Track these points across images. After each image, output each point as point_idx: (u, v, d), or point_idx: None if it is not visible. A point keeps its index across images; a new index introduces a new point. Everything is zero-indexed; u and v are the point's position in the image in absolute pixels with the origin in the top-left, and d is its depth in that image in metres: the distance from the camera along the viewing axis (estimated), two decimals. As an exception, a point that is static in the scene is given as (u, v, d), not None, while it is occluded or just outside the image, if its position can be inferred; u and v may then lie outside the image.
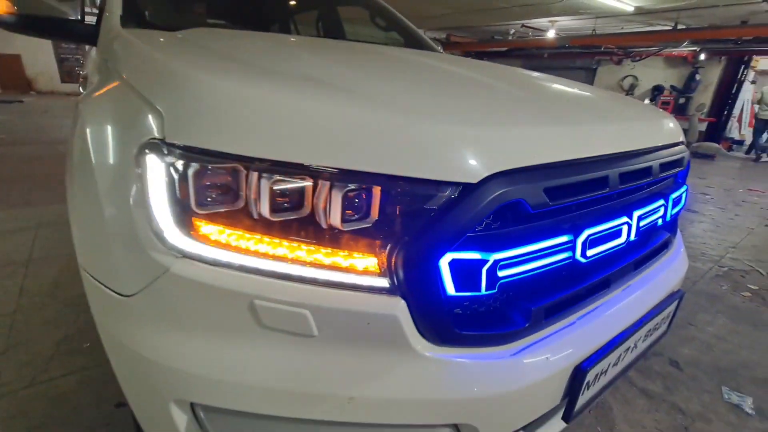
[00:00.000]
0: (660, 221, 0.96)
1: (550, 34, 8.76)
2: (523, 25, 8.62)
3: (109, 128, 0.72)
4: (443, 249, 0.57)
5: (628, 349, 0.86)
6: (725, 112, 9.61)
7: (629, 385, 1.73)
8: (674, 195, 1.01)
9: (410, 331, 0.59)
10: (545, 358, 0.68)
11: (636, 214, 0.84)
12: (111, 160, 0.68)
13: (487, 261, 0.59)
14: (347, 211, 0.57)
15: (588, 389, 0.77)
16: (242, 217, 0.58)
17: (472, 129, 0.62)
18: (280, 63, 0.85)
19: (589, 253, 0.74)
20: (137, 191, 0.61)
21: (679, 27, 7.19)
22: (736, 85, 9.42)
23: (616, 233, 0.80)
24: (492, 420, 0.65)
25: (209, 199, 0.58)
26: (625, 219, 0.81)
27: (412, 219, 0.58)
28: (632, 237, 0.85)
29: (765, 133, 8.48)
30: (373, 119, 0.59)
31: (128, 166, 0.63)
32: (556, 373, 0.69)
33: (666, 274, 1.02)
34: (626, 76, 10.70)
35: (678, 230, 1.21)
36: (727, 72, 9.14)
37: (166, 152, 0.58)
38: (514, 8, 5.96)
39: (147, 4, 1.47)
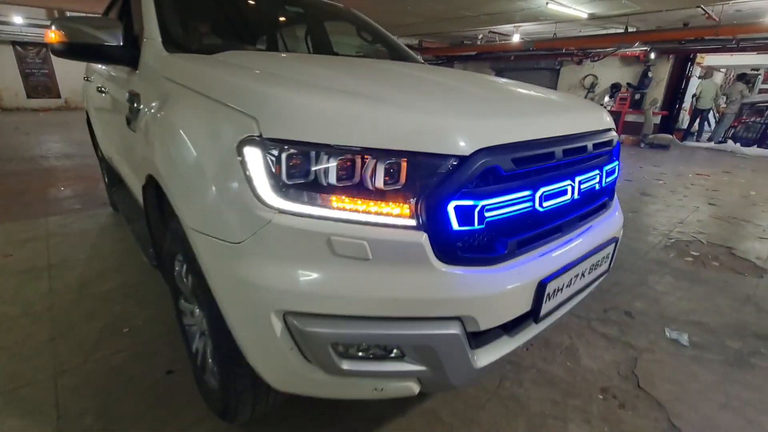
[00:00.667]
0: (597, 186, 1.32)
1: (516, 39, 9.36)
2: (490, 31, 9.19)
3: (204, 131, 1.02)
4: (449, 198, 0.90)
5: (577, 275, 1.21)
6: (676, 106, 10.46)
7: (591, 331, 2.11)
8: (607, 167, 1.37)
9: (430, 254, 0.91)
10: (518, 273, 1.02)
11: (578, 179, 1.19)
12: (212, 153, 0.98)
13: (477, 205, 0.92)
14: (386, 177, 0.89)
15: (549, 300, 1.11)
16: (318, 184, 0.88)
17: (465, 121, 0.95)
18: (320, 79, 1.16)
19: (545, 204, 1.08)
20: (241, 171, 0.90)
21: (630, 30, 7.89)
22: (684, 81, 10.28)
23: (564, 192, 1.14)
24: (485, 313, 0.97)
25: (293, 173, 0.88)
26: (569, 182, 1.16)
27: (428, 180, 0.90)
28: (576, 196, 1.20)
29: (696, 121, 9.95)
30: (402, 117, 0.91)
31: (229, 156, 0.92)
32: (526, 283, 1.03)
33: (604, 226, 1.38)
34: (587, 75, 11.47)
35: (615, 195, 1.58)
36: (676, 69, 9.99)
37: (263, 144, 0.88)
38: (481, 16, 6.44)
39: (177, 30, 1.74)
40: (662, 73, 10.04)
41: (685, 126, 10.83)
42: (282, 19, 2.32)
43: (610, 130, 1.44)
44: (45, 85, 14.84)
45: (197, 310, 1.41)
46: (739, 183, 5.87)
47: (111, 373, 1.71)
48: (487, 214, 0.95)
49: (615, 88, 10.70)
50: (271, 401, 1.28)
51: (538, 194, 1.05)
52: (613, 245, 1.38)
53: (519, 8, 5.78)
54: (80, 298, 2.28)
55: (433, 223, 0.91)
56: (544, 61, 12.09)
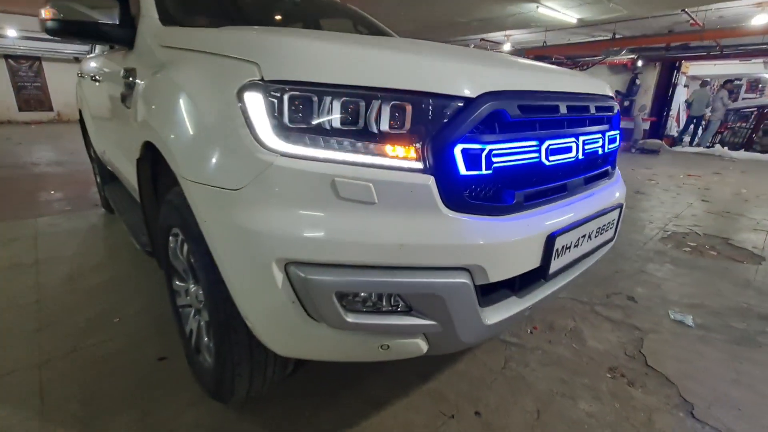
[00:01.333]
0: (600, 151, 1.31)
1: (506, 47, 9.56)
2: (481, 39, 9.38)
3: (206, 81, 0.99)
4: (456, 141, 0.87)
5: (584, 235, 1.19)
6: (664, 113, 10.69)
7: (595, 315, 2.07)
8: (609, 133, 1.37)
9: (438, 198, 0.88)
10: (526, 224, 0.99)
11: (581, 138, 1.18)
12: (213, 101, 0.95)
13: (484, 149, 0.90)
14: (392, 119, 0.86)
15: (558, 256, 1.08)
16: (322, 126, 0.86)
17: (472, 65, 0.94)
18: (323, 35, 1.15)
19: (551, 159, 1.06)
20: (241, 117, 0.87)
21: (618, 37, 8.10)
22: (671, 88, 10.54)
23: (568, 148, 1.13)
24: (494, 264, 0.93)
25: (296, 115, 0.85)
26: (573, 140, 1.14)
27: (435, 122, 0.88)
28: (580, 156, 1.19)
29: (690, 127, 10.14)
30: (408, 58, 0.90)
31: (230, 103, 0.89)
32: (535, 235, 1.00)
33: (609, 191, 1.37)
34: (576, 84, 11.69)
35: (616, 166, 1.57)
36: (662, 76, 10.24)
37: (265, 87, 0.86)
38: (473, 22, 6.58)
39: (175, 10, 1.72)
40: (649, 80, 10.28)
41: (673, 132, 11.04)
42: (278, 8, 2.32)
43: (611, 98, 1.44)
44: (37, 98, 14.75)
45: (192, 286, 1.36)
46: (730, 182, 5.95)
47: (99, 362, 1.64)
48: (494, 160, 0.92)
49: (604, 95, 10.91)
50: (270, 376, 1.22)
51: (544, 147, 1.03)
52: (618, 211, 1.37)
53: (511, 13, 5.91)
54: (68, 292, 2.20)
55: (440, 166, 0.88)
56: (534, 70, 12.31)
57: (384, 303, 0.92)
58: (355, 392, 1.49)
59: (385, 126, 0.86)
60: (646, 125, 10.17)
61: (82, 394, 1.45)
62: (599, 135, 1.29)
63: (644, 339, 1.87)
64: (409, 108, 0.87)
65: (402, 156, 0.87)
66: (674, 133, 11.05)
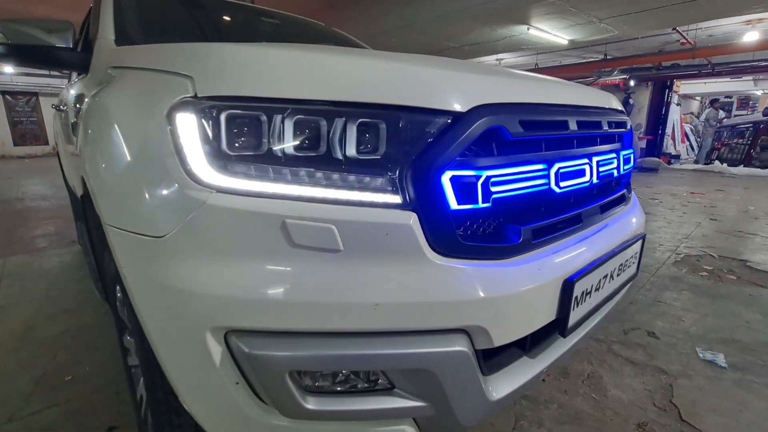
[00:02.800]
0: (615, 172, 1.12)
1: (498, 71, 9.63)
2: (473, 65, 9.44)
3: (132, 102, 0.81)
4: (443, 167, 0.68)
5: (606, 275, 0.98)
6: (659, 131, 10.68)
7: (614, 356, 1.83)
8: (624, 153, 1.18)
9: (422, 241, 0.68)
10: (537, 268, 0.78)
11: (595, 159, 0.99)
12: (139, 126, 0.76)
13: (481, 176, 0.70)
14: (360, 141, 0.67)
15: (578, 306, 0.87)
16: (270, 154, 0.66)
17: (461, 73, 0.75)
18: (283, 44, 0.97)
19: (562, 184, 0.87)
20: (170, 143, 0.68)
21: (609, 57, 8.15)
22: (664, 107, 10.57)
23: (581, 172, 0.94)
24: (499, 322, 0.72)
25: (237, 139, 0.66)
26: (586, 161, 0.95)
27: (416, 144, 0.69)
28: (595, 180, 0.99)
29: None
30: (381, 65, 0.72)
31: (159, 127, 0.71)
32: (547, 282, 0.79)
33: (627, 219, 1.17)
34: (570, 105, 11.76)
35: (632, 189, 1.38)
36: (655, 95, 10.29)
37: (196, 106, 0.67)
38: (464, 47, 6.59)
39: (135, 30, 1.58)
40: (642, 100, 10.32)
41: (670, 150, 11.01)
42: (252, 31, 2.19)
43: (622, 112, 1.27)
44: (33, 132, 14.83)
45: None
46: (735, 199, 5.78)
47: (40, 431, 1.38)
48: (493, 189, 0.72)
49: (598, 116, 10.94)
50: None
51: (553, 170, 0.84)
52: (640, 242, 1.16)
53: (501, 36, 5.91)
54: (22, 345, 1.95)
55: (424, 199, 0.68)
56: (527, 93, 12.41)
57: (357, 380, 0.70)
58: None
59: (352, 150, 0.67)
60: (643, 144, 10.13)
61: (10, 478, 1.20)
62: (614, 155, 1.11)
63: (673, 385, 1.62)
64: (382, 127, 0.68)
65: (374, 188, 0.67)
66: (671, 150, 11.01)
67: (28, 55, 1.45)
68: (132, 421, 1.39)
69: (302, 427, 0.70)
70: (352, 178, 0.67)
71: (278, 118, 0.66)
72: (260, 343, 0.65)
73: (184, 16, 1.89)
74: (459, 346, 0.69)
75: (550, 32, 5.64)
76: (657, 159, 9.18)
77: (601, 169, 1.02)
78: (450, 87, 0.71)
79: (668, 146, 11.13)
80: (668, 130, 11.23)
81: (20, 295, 2.54)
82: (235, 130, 0.66)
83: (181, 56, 0.78)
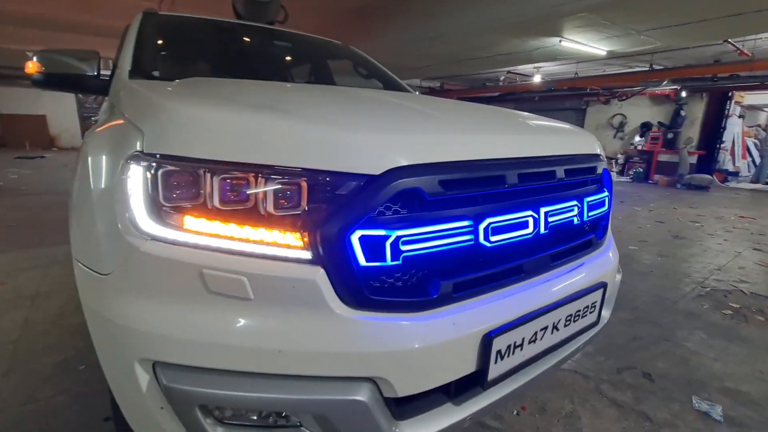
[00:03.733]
0: (576, 220, 1.11)
1: (536, 79, 9.32)
2: (509, 72, 9.22)
3: (105, 149, 0.92)
4: (352, 226, 0.73)
5: (545, 327, 0.98)
6: (716, 146, 9.86)
7: (599, 396, 1.77)
8: (590, 198, 1.16)
9: (329, 294, 0.73)
10: (452, 322, 0.81)
11: (543, 210, 0.99)
12: (104, 172, 0.87)
13: (390, 236, 0.75)
14: (278, 200, 0.74)
15: (502, 359, 0.88)
16: (198, 206, 0.75)
17: (378, 135, 0.80)
18: (239, 95, 1.06)
19: (494, 238, 0.88)
20: (121, 192, 0.78)
21: (657, 68, 7.65)
22: (723, 120, 9.75)
23: (522, 224, 0.94)
24: (404, 375, 0.76)
25: (171, 194, 0.75)
26: (530, 213, 0.96)
27: (329, 204, 0.74)
28: (543, 230, 1.00)
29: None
30: (301, 129, 0.78)
31: (116, 175, 0.81)
32: (463, 337, 0.81)
33: (587, 268, 1.15)
34: (615, 115, 11.17)
35: (608, 232, 1.34)
36: (711, 107, 9.52)
37: (142, 160, 0.77)
38: (496, 57, 6.46)
39: (152, 62, 1.74)
40: (696, 111, 9.59)
41: (727, 166, 10.14)
42: (268, 55, 2.32)
43: (596, 156, 1.25)
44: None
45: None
46: (792, 227, 5.26)
47: (48, 416, 1.57)
48: (404, 248, 0.76)
49: (645, 127, 10.30)
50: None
51: (482, 226, 0.86)
52: (600, 291, 1.14)
53: (533, 47, 5.74)
54: (50, 330, 2.20)
55: (332, 256, 0.73)
56: (569, 101, 11.93)
57: (266, 417, 0.77)
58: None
59: (267, 208, 0.74)
60: (693, 159, 9.41)
61: (16, 456, 1.38)
62: (574, 202, 1.09)
63: (656, 435, 1.55)
64: (294, 188, 0.74)
65: (285, 244, 0.74)
66: (728, 167, 10.15)
67: (61, 81, 1.65)
68: (125, 413, 1.55)
69: (215, 452, 0.77)
70: (266, 234, 0.74)
71: (207, 176, 0.74)
72: (177, 376, 0.73)
73: (198, 50, 2.04)
74: (358, 395, 0.74)
75: (585, 44, 5.40)
76: (708, 176, 8.49)
77: (552, 219, 1.02)
78: (364, 150, 0.76)
79: (725, 162, 10.26)
80: (727, 145, 10.35)
81: (60, 283, 2.85)
82: (170, 185, 0.75)
83: (141, 110, 0.89)
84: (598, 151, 1.28)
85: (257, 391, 0.72)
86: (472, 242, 0.85)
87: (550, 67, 8.12)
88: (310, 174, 0.74)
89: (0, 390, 1.71)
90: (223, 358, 0.72)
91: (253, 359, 0.72)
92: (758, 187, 8.74)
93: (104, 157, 0.91)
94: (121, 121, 1.01)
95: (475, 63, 7.01)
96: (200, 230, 0.74)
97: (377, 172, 0.75)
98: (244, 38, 2.28)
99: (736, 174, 9.98)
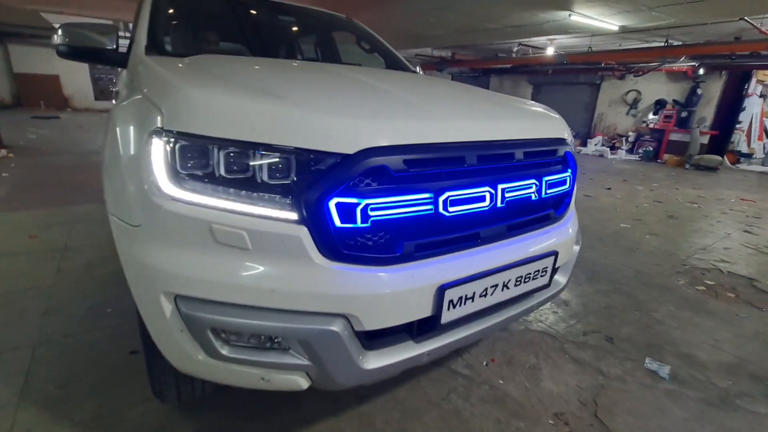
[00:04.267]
0: (534, 196, 1.28)
1: (549, 52, 9.10)
2: (520, 44, 9.01)
3: (131, 123, 1.11)
4: (330, 194, 0.92)
5: (495, 285, 1.17)
6: (732, 126, 9.64)
7: (562, 354, 2.00)
8: (549, 178, 1.32)
9: (311, 248, 0.93)
10: (411, 275, 1.01)
11: (500, 186, 1.16)
12: (130, 142, 1.06)
13: (360, 204, 0.93)
14: (272, 172, 0.92)
15: (454, 308, 1.09)
16: (208, 175, 0.93)
17: (355, 120, 0.97)
18: (242, 77, 1.22)
19: (452, 209, 1.06)
20: (146, 160, 0.97)
21: (674, 43, 7.42)
22: (741, 99, 9.48)
23: (479, 198, 1.12)
24: (370, 313, 0.97)
25: (186, 164, 0.94)
26: (487, 189, 1.13)
27: (312, 176, 0.93)
28: (499, 204, 1.17)
29: None
30: (293, 114, 0.95)
31: (142, 144, 1.00)
32: (420, 287, 1.01)
33: (541, 238, 1.33)
34: (629, 91, 10.90)
35: (569, 208, 1.51)
36: (729, 86, 9.24)
37: (162, 135, 0.95)
38: (506, 29, 6.34)
39: (165, 37, 1.89)
40: (713, 90, 9.33)
41: (741, 147, 9.95)
42: (273, 29, 2.43)
43: (559, 140, 1.39)
44: (110, 89, 16.33)
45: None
46: (791, 211, 5.30)
47: (84, 348, 1.85)
48: (372, 213, 0.95)
49: (659, 104, 10.08)
50: (198, 387, 1.34)
51: (441, 198, 1.04)
52: (551, 258, 1.32)
53: (543, 21, 5.63)
54: (81, 279, 2.48)
55: (313, 218, 0.93)
56: (583, 75, 11.63)
57: (262, 340, 0.99)
58: (292, 406, 1.57)
59: (263, 178, 0.93)
60: (705, 139, 9.25)
61: (61, 378, 1.66)
62: (532, 180, 1.26)
63: (605, 386, 1.78)
64: (287, 162, 0.92)
65: (277, 207, 0.93)
66: (741, 148, 9.95)
67: (82, 53, 1.80)
68: (148, 349, 1.82)
69: (221, 365, 1.00)
70: (262, 198, 0.93)
71: (215, 150, 0.92)
72: (194, 306, 0.94)
73: (209, 23, 2.17)
74: (333, 326, 0.95)
75: (596, 18, 5.28)
76: (718, 157, 8.38)
77: (508, 195, 1.19)
78: (341, 132, 0.93)
79: (740, 143, 10.06)
80: (744, 125, 10.10)
81: (85, 239, 3.12)
82: (185, 157, 0.94)
83: (159, 90, 1.07)
84: (564, 135, 1.43)
85: (255, 319, 0.93)
86: (432, 212, 1.04)
87: (563, 40, 7.92)
88: (299, 151, 0.92)
89: (43, 325, 1.99)
90: (228, 293, 0.93)
91: (251, 295, 0.93)
92: (767, 169, 8.62)
93: (130, 130, 1.09)
94: (141, 97, 1.18)
95: (485, 34, 6.89)
96: (210, 193, 0.93)
97: (351, 151, 0.93)
98: (252, 11, 2.38)
99: (749, 156, 9.81)
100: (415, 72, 2.53)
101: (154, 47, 1.77)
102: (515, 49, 10.14)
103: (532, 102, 1.65)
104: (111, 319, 2.08)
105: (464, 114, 1.23)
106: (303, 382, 1.03)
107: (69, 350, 1.83)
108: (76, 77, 15.75)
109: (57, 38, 1.77)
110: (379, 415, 1.56)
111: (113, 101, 2.46)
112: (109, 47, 1.81)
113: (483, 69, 13.08)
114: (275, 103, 0.99)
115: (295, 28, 2.60)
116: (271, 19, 2.44)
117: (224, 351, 0.97)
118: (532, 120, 1.34)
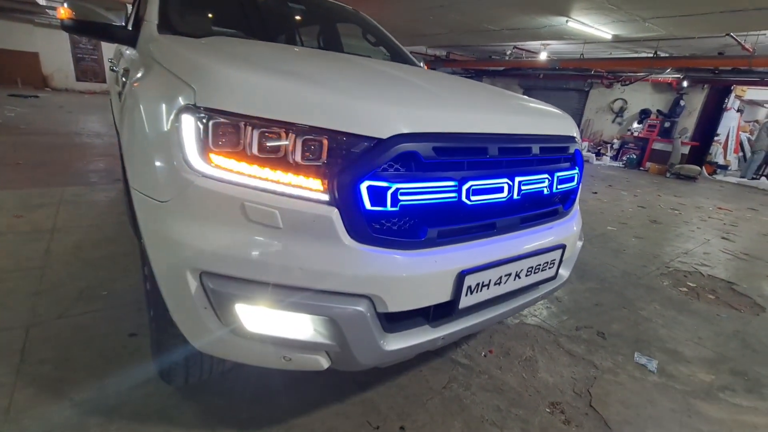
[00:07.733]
0: (546, 191, 1.32)
1: (542, 56, 9.27)
2: (515, 47, 9.15)
3: (157, 99, 1.09)
4: (362, 177, 0.93)
5: (509, 274, 1.21)
6: (709, 138, 10.04)
7: (557, 347, 2.07)
8: (561, 174, 1.37)
9: (341, 229, 0.95)
10: (434, 260, 1.03)
11: (517, 179, 1.20)
12: (157, 118, 1.05)
13: (390, 188, 0.95)
14: (306, 152, 0.93)
15: (471, 293, 1.12)
16: (241, 153, 0.94)
17: (388, 106, 0.99)
18: (271, 61, 1.22)
19: (474, 198, 1.10)
20: (177, 136, 0.97)
21: (662, 55, 7.67)
22: (720, 113, 9.87)
23: (498, 189, 1.15)
24: (393, 296, 0.99)
25: (218, 141, 0.94)
26: (505, 180, 1.17)
27: (345, 159, 0.94)
28: (516, 196, 1.21)
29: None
30: (328, 96, 0.96)
31: (170, 122, 0.99)
32: (442, 271, 1.04)
33: (551, 231, 1.37)
34: (616, 99, 11.21)
35: (575, 205, 1.57)
36: (710, 99, 9.61)
37: (195, 112, 0.95)
38: (504, 31, 6.44)
39: (176, 16, 1.85)
40: (695, 102, 9.69)
41: (717, 159, 10.37)
42: (283, 15, 2.41)
43: (570, 138, 1.44)
44: (93, 69, 15.78)
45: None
46: (764, 221, 5.57)
47: (80, 329, 1.81)
48: (402, 198, 0.97)
49: (644, 114, 10.41)
50: (206, 368, 1.34)
51: (465, 187, 1.07)
52: (559, 251, 1.37)
53: (541, 25, 5.75)
54: (72, 261, 2.42)
55: (345, 200, 0.94)
56: (573, 81, 11.89)
57: (288, 319, 1.00)
58: (295, 391, 1.58)
59: (297, 158, 0.93)
60: (685, 149, 9.61)
61: (57, 358, 1.63)
62: (545, 175, 1.30)
63: (598, 378, 1.85)
64: (320, 144, 0.93)
65: (309, 187, 0.94)
66: (719, 159, 10.38)
67: (90, 29, 1.76)
68: (146, 331, 1.80)
69: (244, 343, 1.01)
70: (295, 178, 0.94)
71: (249, 129, 0.93)
72: (221, 283, 0.95)
73: (220, 7, 2.14)
74: (359, 306, 0.97)
75: (591, 26, 5.43)
76: (697, 167, 8.73)
77: (524, 187, 1.23)
78: (376, 118, 0.95)
79: (717, 155, 10.48)
80: (721, 138, 10.53)
81: (73, 221, 3.04)
82: (219, 134, 0.94)
83: (190, 67, 1.06)
84: (573, 134, 1.48)
85: (282, 297, 0.94)
86: (455, 199, 1.07)
87: (557, 45, 8.09)
88: (331, 133, 0.93)
89: (35, 305, 1.94)
90: (257, 271, 0.94)
91: (280, 273, 0.94)
92: (743, 181, 9.02)
93: (156, 106, 1.08)
94: (165, 75, 1.17)
95: (484, 35, 6.97)
96: (242, 171, 0.94)
97: (384, 136, 0.95)
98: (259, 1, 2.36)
99: (725, 167, 10.23)
100: (420, 67, 2.56)
101: (166, 26, 1.74)
102: (509, 52, 10.29)
103: (542, 102, 1.70)
104: (105, 302, 2.04)
105: (488, 107, 1.26)
106: (324, 362, 1.05)
107: (64, 331, 1.79)
108: (57, 56, 15.13)
109: (63, 11, 1.72)
110: (382, 401, 1.59)
111: (121, 79, 2.39)
112: (116, 24, 1.77)
113: (476, 70, 13.20)
114: (310, 85, 1.00)
115: (304, 16, 2.59)
116: (281, 6, 2.42)
117: (249, 328, 0.97)
118: (546, 117, 1.39)
